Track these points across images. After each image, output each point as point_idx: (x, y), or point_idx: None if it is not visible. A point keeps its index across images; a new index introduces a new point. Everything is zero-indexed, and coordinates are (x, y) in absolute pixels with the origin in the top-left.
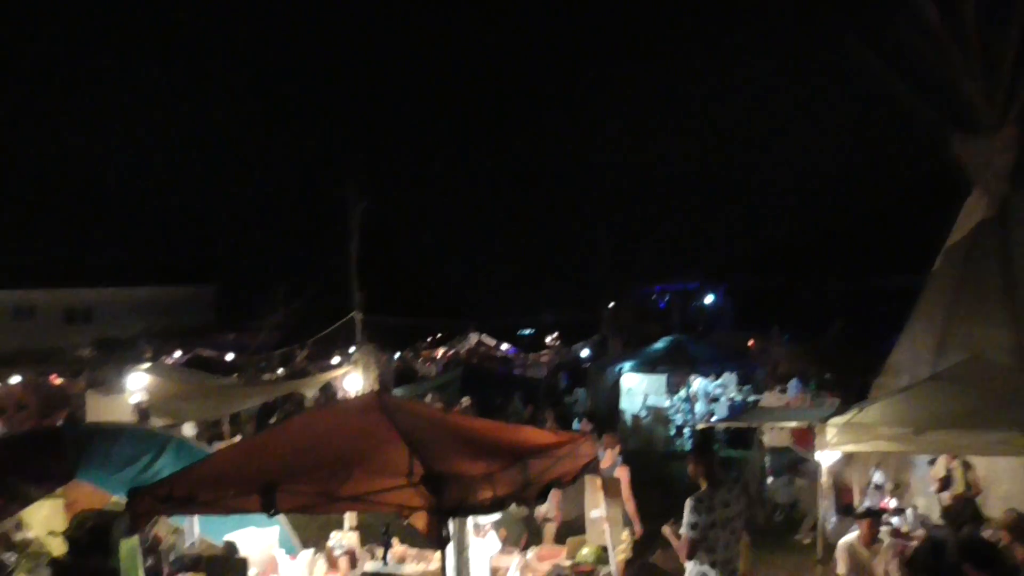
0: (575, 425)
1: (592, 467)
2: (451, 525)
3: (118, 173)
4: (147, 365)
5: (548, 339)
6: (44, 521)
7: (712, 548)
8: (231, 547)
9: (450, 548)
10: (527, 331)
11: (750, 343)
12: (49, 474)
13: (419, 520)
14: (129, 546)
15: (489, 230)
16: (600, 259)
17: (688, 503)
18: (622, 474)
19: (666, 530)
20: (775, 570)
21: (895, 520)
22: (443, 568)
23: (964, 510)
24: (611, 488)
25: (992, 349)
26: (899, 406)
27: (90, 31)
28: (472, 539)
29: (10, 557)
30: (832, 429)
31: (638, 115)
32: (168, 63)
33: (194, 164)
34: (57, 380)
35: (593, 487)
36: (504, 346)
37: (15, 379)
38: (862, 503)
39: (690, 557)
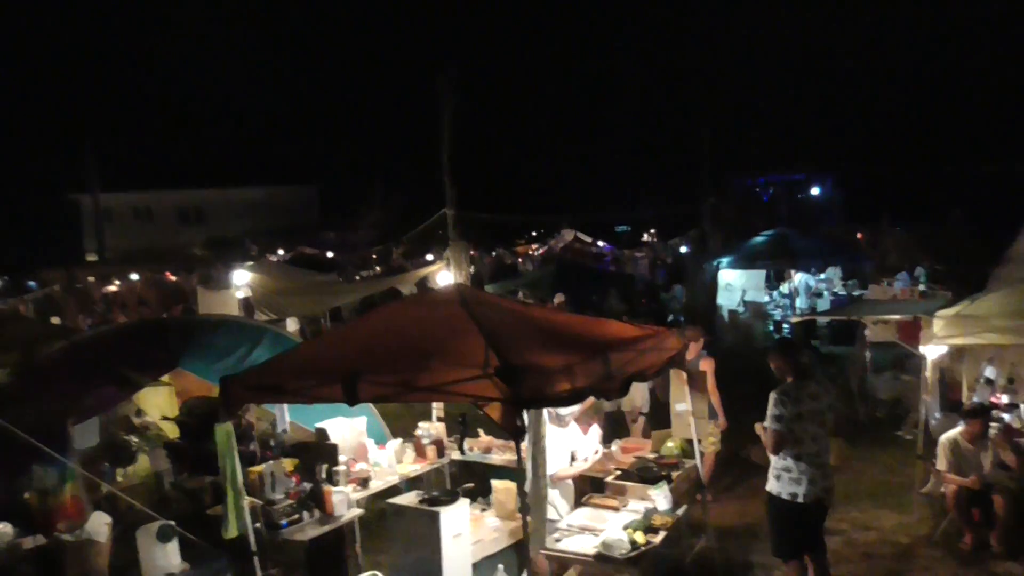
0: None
1: (677, 361)
2: (526, 416)
3: (226, 82)
4: (251, 263)
5: (645, 236)
6: (159, 407)
7: (799, 440)
8: (322, 434)
9: (528, 440)
10: (624, 227)
11: (858, 236)
12: (154, 363)
13: (494, 411)
14: (224, 431)
15: (585, 121)
16: (701, 149)
17: (772, 396)
18: (707, 366)
19: (758, 427)
20: (873, 466)
21: (1006, 416)
22: (519, 459)
23: None
24: (697, 381)
25: None
26: (1016, 297)
27: None
28: (551, 429)
29: (132, 439)
30: (940, 321)
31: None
32: None
33: (295, 67)
34: (172, 277)
35: (678, 380)
36: (600, 243)
37: (135, 276)
38: (970, 399)
39: (776, 451)
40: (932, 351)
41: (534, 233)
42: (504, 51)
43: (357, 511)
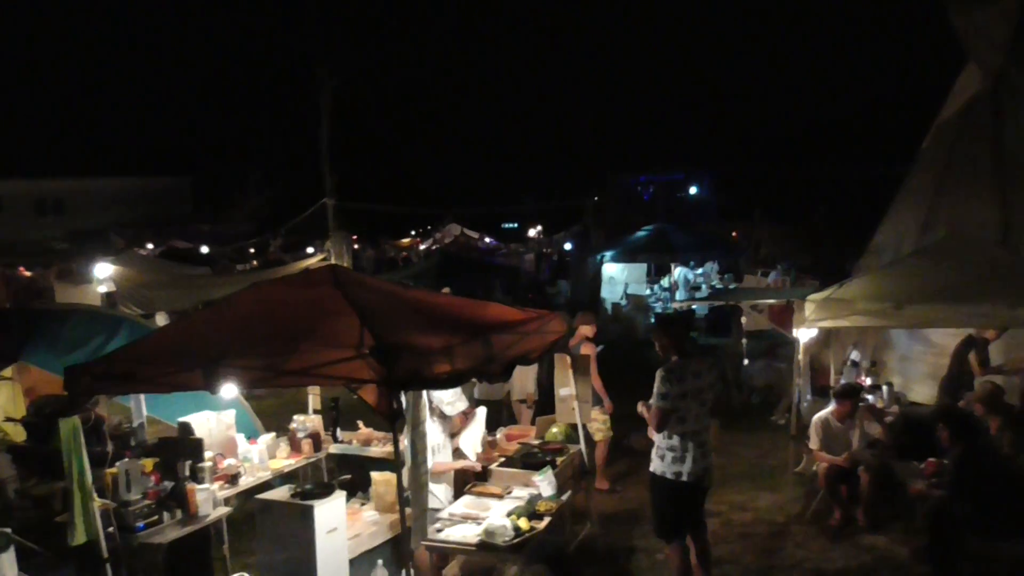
0: None
1: (561, 345)
2: (404, 399)
3: (91, 63)
4: (116, 257)
5: (531, 232)
6: (1, 408)
7: (683, 419)
8: (186, 428)
9: (406, 426)
10: (511, 225)
11: (733, 234)
12: None
13: (369, 394)
14: (68, 426)
15: (471, 116)
16: (584, 147)
17: (658, 373)
18: (588, 350)
19: (640, 407)
20: (749, 449)
21: (870, 397)
22: (395, 444)
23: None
24: (580, 366)
25: (977, 227)
26: (880, 282)
27: None
28: (429, 416)
29: None
30: (811, 305)
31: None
32: None
33: (164, 51)
34: (26, 272)
35: (562, 365)
36: (487, 239)
37: None
38: (838, 382)
39: (660, 428)
40: (804, 334)
41: (421, 230)
42: (389, 41)
43: (224, 510)
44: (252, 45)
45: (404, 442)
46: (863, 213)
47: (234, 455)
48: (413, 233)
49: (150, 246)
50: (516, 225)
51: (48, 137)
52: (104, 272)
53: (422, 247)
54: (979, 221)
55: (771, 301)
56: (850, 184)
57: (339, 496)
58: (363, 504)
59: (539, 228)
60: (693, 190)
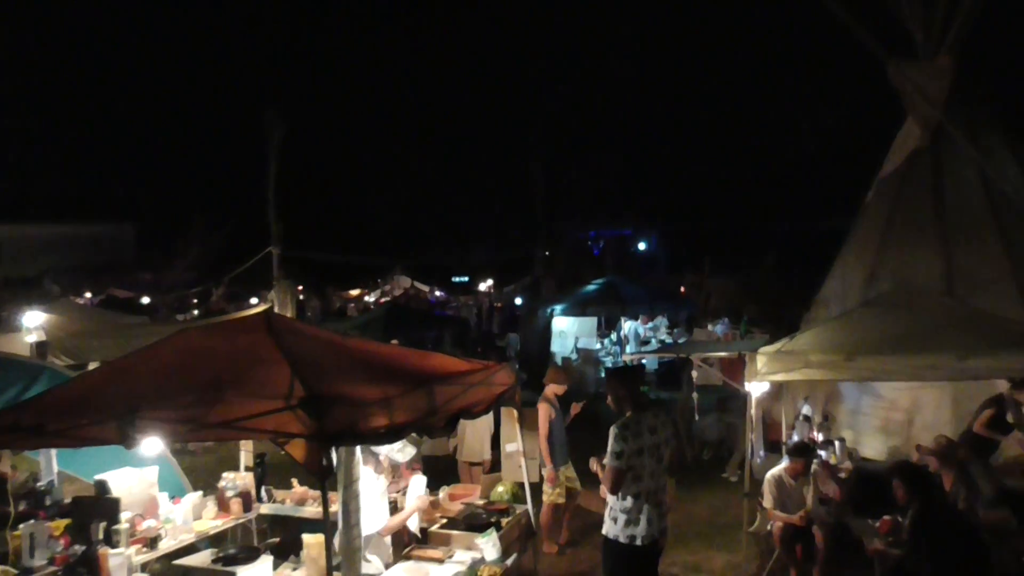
0: None
1: (508, 397)
2: (335, 455)
3: (29, 105)
4: (48, 305)
5: (482, 286)
6: None
7: (638, 477)
8: (102, 486)
9: (339, 484)
10: (461, 278)
11: (681, 289)
12: None
13: (296, 448)
14: None
15: (420, 167)
16: (534, 200)
17: (612, 430)
18: (540, 408)
19: (593, 464)
20: (701, 507)
21: (823, 453)
22: (324, 504)
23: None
24: (529, 421)
25: (922, 278)
26: (830, 333)
27: None
28: (368, 473)
29: None
30: (762, 358)
31: (573, 55)
32: None
33: (107, 93)
34: None
35: (509, 419)
36: (438, 292)
37: None
38: (790, 437)
39: (615, 490)
40: (756, 388)
41: (369, 281)
42: (338, 88)
43: None
44: (200, 89)
45: (335, 503)
46: (810, 264)
47: (155, 516)
48: (366, 282)
49: (88, 295)
50: (467, 278)
51: None
52: (34, 321)
53: (370, 298)
54: (923, 273)
55: (722, 354)
56: (796, 236)
57: (266, 561)
58: (295, 569)
59: (490, 282)
60: (642, 245)
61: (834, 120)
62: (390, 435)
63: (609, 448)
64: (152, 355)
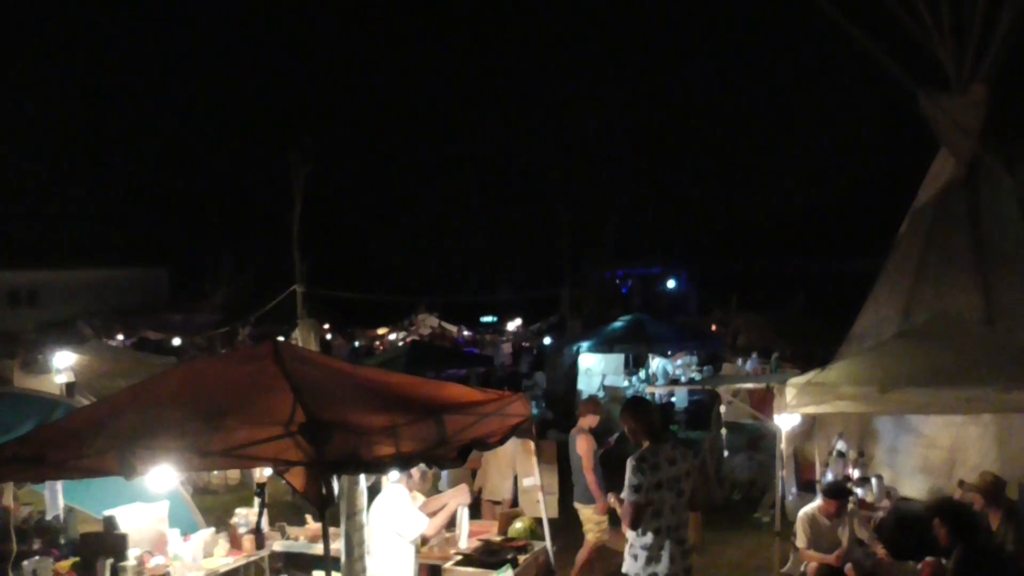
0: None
1: (524, 429)
2: (336, 484)
3: (67, 156)
4: (81, 345)
5: (511, 326)
6: None
7: (658, 512)
8: (110, 522)
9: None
10: (489, 318)
11: (713, 328)
12: None
13: (296, 477)
14: None
15: (447, 207)
16: (561, 237)
17: (629, 463)
18: (582, 444)
19: (612, 499)
20: (731, 548)
21: (859, 491)
22: (324, 537)
23: None
24: (547, 454)
25: (959, 313)
26: (863, 365)
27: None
28: (399, 489)
29: None
30: (792, 389)
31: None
32: (106, 34)
33: (143, 143)
34: None
35: (526, 452)
36: (466, 332)
37: None
38: (824, 475)
39: (635, 525)
40: (786, 422)
41: (397, 323)
42: (363, 126)
43: None
44: (231, 130)
45: (339, 534)
46: (841, 304)
47: (164, 553)
48: (392, 321)
49: (120, 336)
50: (495, 319)
51: (23, 227)
52: (64, 362)
53: (394, 336)
54: (961, 308)
55: (750, 385)
56: (826, 277)
57: None
58: None
59: (518, 322)
60: (671, 283)
61: (865, 156)
62: (395, 463)
63: (627, 481)
64: (157, 385)
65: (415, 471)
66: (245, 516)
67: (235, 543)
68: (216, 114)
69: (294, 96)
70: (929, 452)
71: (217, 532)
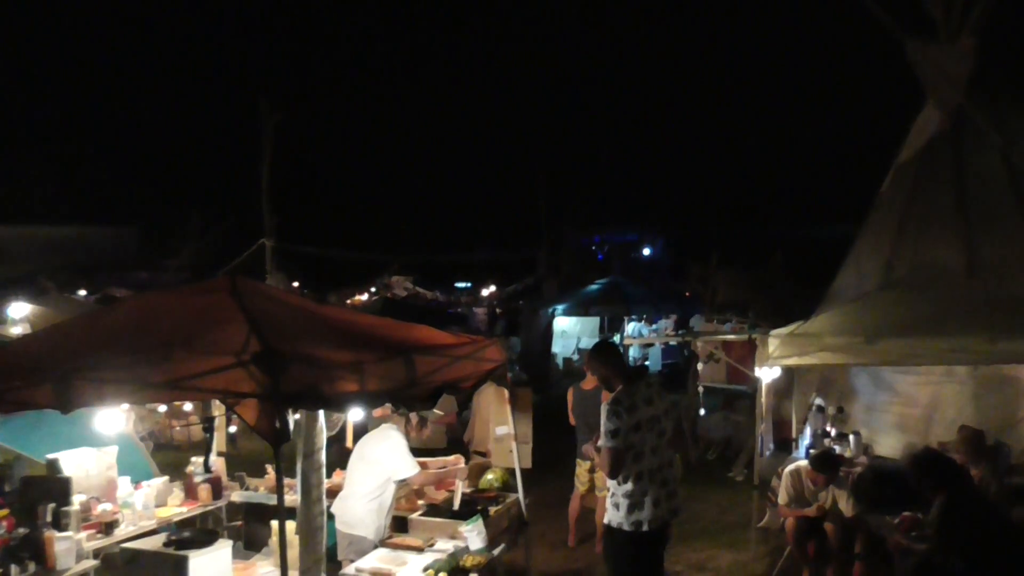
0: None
1: (499, 375)
2: (292, 419)
3: (31, 107)
4: (39, 299)
5: (485, 292)
6: None
7: (639, 455)
8: (53, 465)
9: (298, 453)
10: (464, 284)
11: (687, 294)
12: None
13: (247, 410)
14: None
15: (421, 167)
16: (537, 199)
17: (604, 408)
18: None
19: (588, 448)
20: (707, 505)
21: (836, 448)
22: (277, 473)
23: None
24: (521, 402)
25: (943, 268)
26: (848, 316)
27: None
28: (392, 431)
29: None
30: (775, 340)
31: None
32: None
33: (105, 92)
34: None
35: (500, 400)
36: (440, 296)
37: None
38: (801, 432)
39: (615, 472)
40: (767, 374)
41: (369, 283)
42: (339, 88)
43: (90, 563)
44: (200, 84)
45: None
46: (820, 265)
47: (113, 500)
48: (364, 280)
49: (83, 292)
50: (470, 284)
51: None
52: (19, 312)
53: (366, 296)
54: (944, 262)
55: (731, 337)
56: (805, 240)
57: (223, 547)
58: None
59: (493, 288)
60: (647, 251)
61: (846, 117)
62: (360, 401)
63: (602, 427)
64: (102, 317)
65: (413, 417)
66: (202, 464)
67: (191, 493)
68: (184, 64)
69: (263, 43)
70: (906, 410)
71: (172, 481)
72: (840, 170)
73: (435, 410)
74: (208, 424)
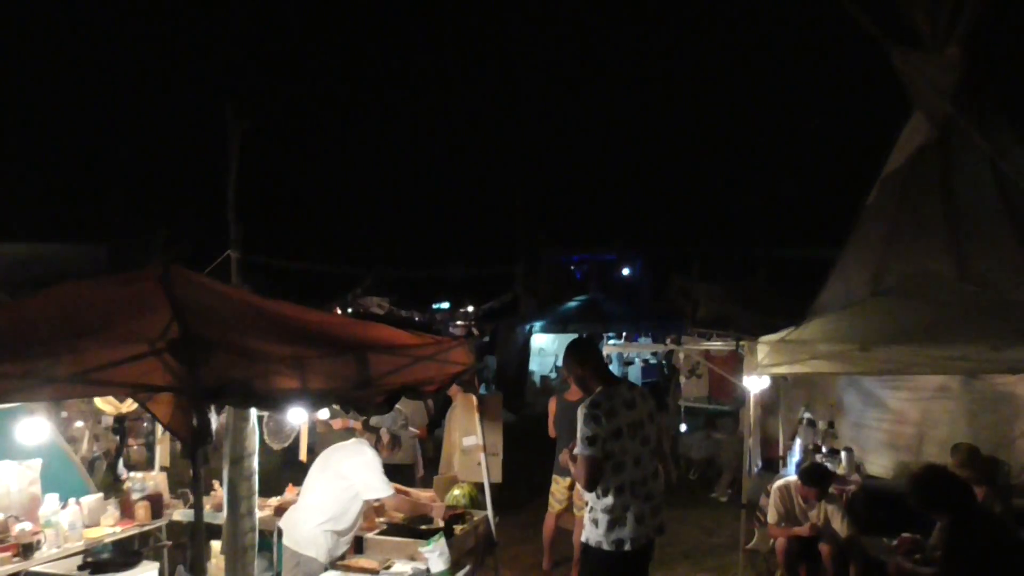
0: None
1: (465, 379)
2: (216, 418)
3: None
4: None
5: (462, 311)
6: None
7: (620, 465)
8: None
9: (224, 458)
10: (441, 305)
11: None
12: None
13: (161, 406)
14: None
15: (396, 182)
16: (515, 216)
17: (580, 412)
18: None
19: (563, 456)
20: (689, 527)
21: (828, 465)
22: (196, 485)
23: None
24: (491, 410)
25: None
26: (841, 322)
27: None
28: (363, 446)
29: None
30: (764, 348)
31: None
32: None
33: (79, 112)
34: None
35: (467, 407)
36: (416, 318)
37: None
38: (789, 449)
39: (592, 484)
40: (755, 384)
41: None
42: (311, 100)
43: None
44: (160, 88)
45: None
46: (803, 283)
47: (35, 519)
48: (337, 297)
49: None
50: (448, 305)
51: None
52: None
53: (338, 312)
54: (933, 272)
55: (719, 344)
56: (787, 260)
57: (147, 569)
58: None
59: (471, 309)
60: (626, 271)
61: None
62: (300, 400)
63: (579, 434)
64: (11, 308)
65: (384, 434)
66: (141, 480)
67: (127, 511)
68: (148, 69)
69: (229, 49)
70: (897, 427)
71: (107, 498)
72: (823, 186)
73: (410, 428)
74: (119, 426)
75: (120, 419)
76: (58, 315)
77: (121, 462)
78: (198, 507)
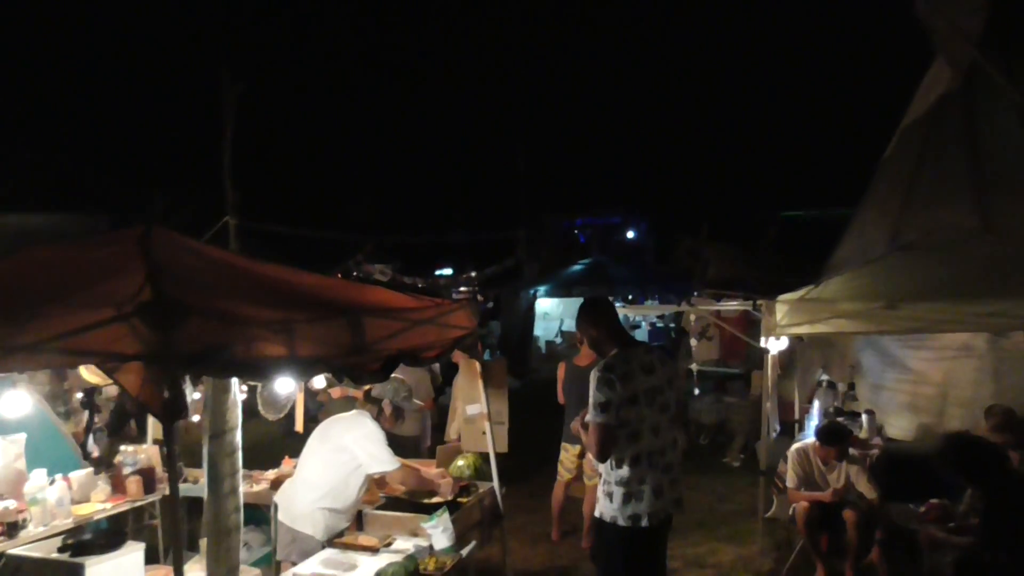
0: (486, 356)
1: (468, 344)
2: (191, 390)
3: None
4: None
5: (465, 276)
6: None
7: (635, 434)
8: None
9: (204, 433)
10: (444, 272)
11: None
12: None
13: (130, 376)
14: None
15: (398, 148)
16: (517, 180)
17: (593, 375)
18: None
19: (576, 424)
20: (702, 493)
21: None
22: (169, 458)
23: None
24: (495, 377)
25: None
26: (863, 280)
27: None
28: (365, 419)
29: None
30: (783, 307)
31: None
32: None
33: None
34: None
35: (470, 373)
36: (420, 285)
37: None
38: (806, 412)
39: (604, 453)
40: (774, 345)
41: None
42: (311, 64)
43: None
44: (153, 51)
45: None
46: (815, 244)
47: (19, 495)
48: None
49: None
50: (451, 271)
51: None
52: None
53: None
54: (957, 226)
55: (733, 305)
56: (799, 220)
57: (132, 550)
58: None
59: (474, 274)
60: (631, 234)
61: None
62: (288, 369)
63: (591, 399)
64: None
65: (387, 406)
66: (132, 454)
67: (118, 486)
68: (142, 33)
69: (224, 9)
70: (918, 388)
71: (97, 472)
72: (838, 143)
73: (415, 400)
74: (88, 399)
75: (89, 391)
76: (28, 281)
77: (91, 439)
78: (173, 489)
